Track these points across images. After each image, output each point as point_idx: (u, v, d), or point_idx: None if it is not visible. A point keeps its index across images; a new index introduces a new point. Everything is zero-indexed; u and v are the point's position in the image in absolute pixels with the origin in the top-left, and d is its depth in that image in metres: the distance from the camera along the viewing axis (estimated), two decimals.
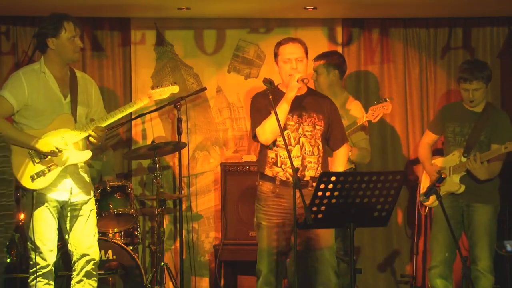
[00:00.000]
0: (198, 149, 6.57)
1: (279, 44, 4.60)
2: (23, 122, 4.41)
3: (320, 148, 4.57)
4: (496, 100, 6.56)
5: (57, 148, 4.31)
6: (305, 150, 4.52)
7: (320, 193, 3.94)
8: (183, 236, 6.10)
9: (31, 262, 4.40)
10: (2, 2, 5.89)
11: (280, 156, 4.52)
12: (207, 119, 6.61)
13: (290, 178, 4.38)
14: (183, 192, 6.28)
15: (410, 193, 6.43)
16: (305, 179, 4.50)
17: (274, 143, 4.55)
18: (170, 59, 6.60)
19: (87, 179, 4.57)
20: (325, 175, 3.98)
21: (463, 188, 5.10)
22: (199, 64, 6.62)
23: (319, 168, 4.55)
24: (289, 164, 4.32)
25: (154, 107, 6.25)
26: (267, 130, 4.47)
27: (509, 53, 6.57)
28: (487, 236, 5.10)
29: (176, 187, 6.47)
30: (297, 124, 4.54)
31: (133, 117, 6.05)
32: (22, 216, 5.54)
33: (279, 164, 4.53)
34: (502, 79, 6.60)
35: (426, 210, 5.51)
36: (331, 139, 4.66)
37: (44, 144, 4.30)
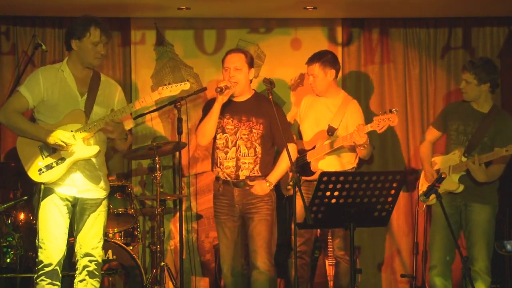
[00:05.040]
0: (198, 149, 6.56)
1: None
2: (41, 118, 4.46)
3: (258, 149, 4.92)
4: (496, 100, 6.55)
5: (63, 142, 4.32)
6: (240, 152, 4.92)
7: (320, 193, 3.95)
8: (183, 236, 6.10)
9: (37, 260, 4.41)
10: (2, 2, 5.90)
11: (219, 158, 4.97)
12: None
13: (228, 178, 4.92)
14: (183, 192, 6.28)
15: (409, 193, 6.45)
16: (240, 178, 4.93)
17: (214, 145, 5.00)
18: (170, 59, 6.59)
19: (102, 179, 4.54)
20: (325, 175, 3.98)
21: (462, 187, 5.06)
22: (199, 64, 6.61)
23: (256, 168, 4.92)
24: (226, 165, 4.91)
25: (154, 107, 6.24)
26: (200, 132, 4.97)
27: (509, 53, 6.57)
28: (484, 237, 5.05)
29: (176, 187, 6.47)
30: (235, 128, 4.95)
31: (133, 117, 6.03)
32: (22, 216, 5.57)
33: (218, 165, 4.96)
34: (502, 79, 6.58)
35: (424, 207, 5.47)
36: (275, 140, 4.99)
37: (51, 136, 4.32)
